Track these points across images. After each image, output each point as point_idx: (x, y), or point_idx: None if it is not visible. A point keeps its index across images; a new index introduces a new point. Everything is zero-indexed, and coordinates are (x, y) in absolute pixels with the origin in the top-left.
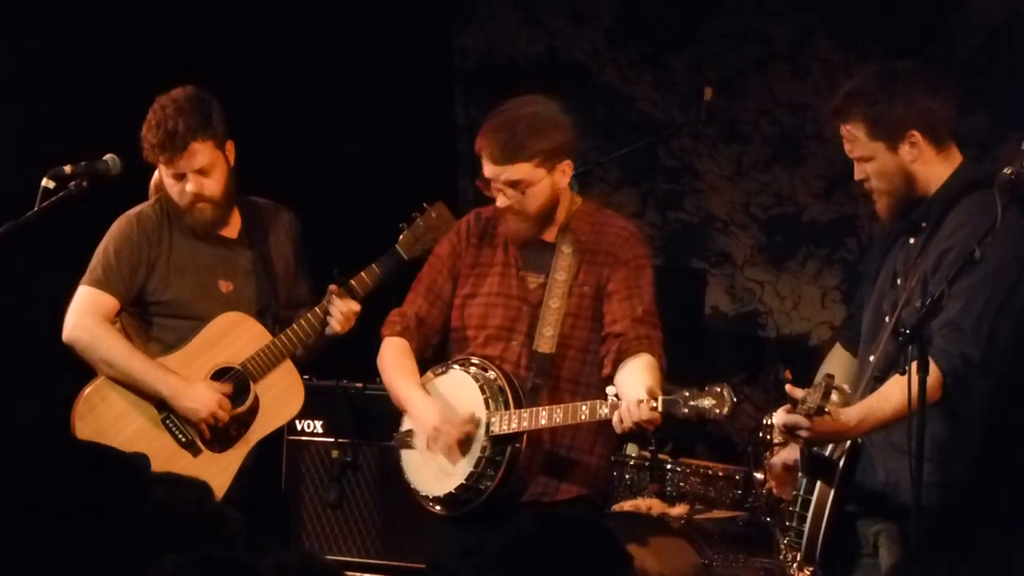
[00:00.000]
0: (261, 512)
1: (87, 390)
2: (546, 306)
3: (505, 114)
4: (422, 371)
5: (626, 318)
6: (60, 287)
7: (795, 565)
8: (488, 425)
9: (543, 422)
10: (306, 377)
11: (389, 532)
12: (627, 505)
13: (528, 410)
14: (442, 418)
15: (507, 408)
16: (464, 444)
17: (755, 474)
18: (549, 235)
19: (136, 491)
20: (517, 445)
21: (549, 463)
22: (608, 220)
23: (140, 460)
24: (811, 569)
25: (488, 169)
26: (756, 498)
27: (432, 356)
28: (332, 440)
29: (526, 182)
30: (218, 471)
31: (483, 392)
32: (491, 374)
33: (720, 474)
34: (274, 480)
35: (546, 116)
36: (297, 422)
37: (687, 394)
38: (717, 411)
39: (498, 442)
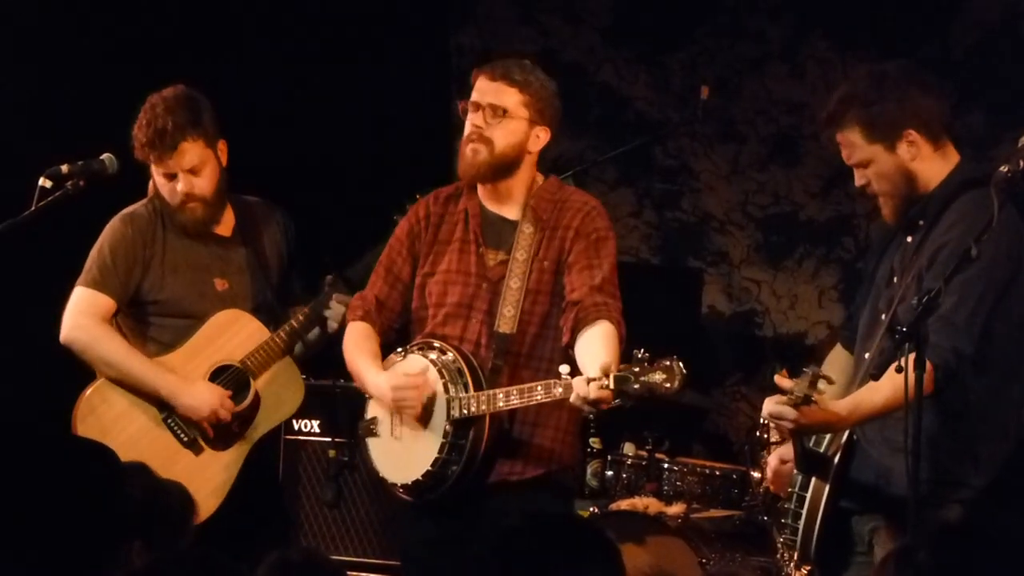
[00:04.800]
0: (258, 512)
1: (87, 391)
2: (507, 286)
3: (519, 59)
4: (385, 354)
5: (584, 286)
6: (57, 286)
7: (792, 564)
8: (448, 409)
9: (500, 404)
10: (303, 377)
11: (386, 531)
12: (624, 504)
13: (485, 393)
14: (399, 385)
15: (467, 390)
16: (425, 422)
17: (752, 473)
18: (511, 212)
19: (114, 482)
20: (479, 427)
21: (514, 443)
22: (570, 196)
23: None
24: (808, 568)
25: (480, 86)
26: (753, 497)
27: (395, 339)
28: (329, 440)
29: (508, 112)
30: (221, 469)
31: (442, 376)
32: (449, 356)
33: (717, 473)
34: (271, 480)
35: (551, 83)
36: (294, 422)
37: (637, 370)
38: (667, 385)
39: (460, 425)
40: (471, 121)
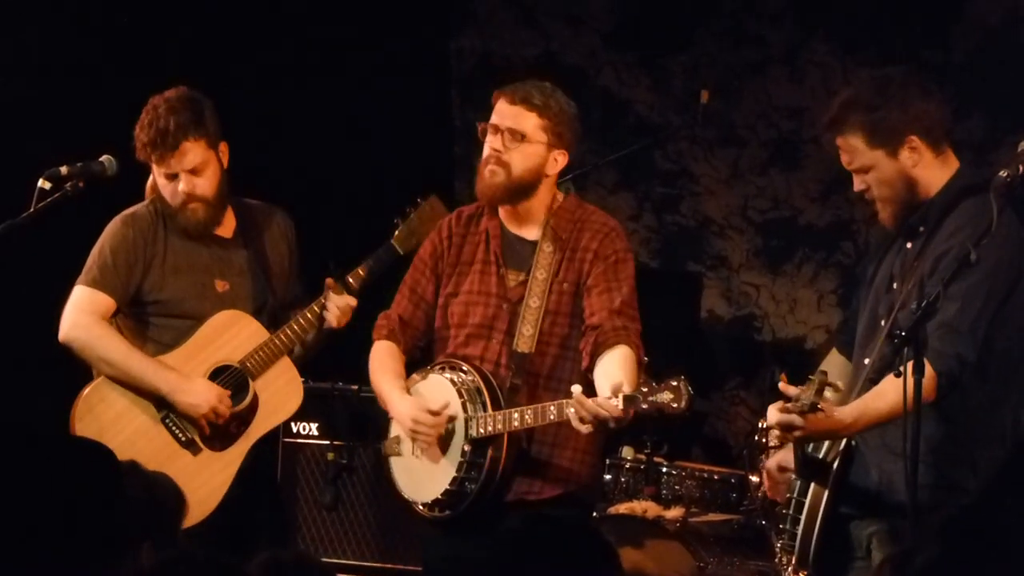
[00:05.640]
0: (257, 514)
1: (86, 391)
2: (526, 305)
3: (539, 81)
4: (409, 373)
5: (604, 310)
6: (56, 288)
7: (790, 568)
8: (467, 428)
9: (516, 424)
10: (302, 379)
11: (384, 535)
12: (623, 508)
13: (502, 412)
14: (418, 416)
15: (485, 409)
16: (444, 441)
17: (750, 477)
18: (531, 233)
19: (113, 482)
20: (497, 447)
21: (533, 461)
22: (589, 216)
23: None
24: (805, 573)
25: (500, 109)
26: (751, 501)
27: (420, 357)
28: (328, 443)
29: (527, 137)
30: (219, 469)
31: (460, 396)
32: (468, 376)
33: (716, 477)
34: (270, 482)
35: (571, 106)
36: (293, 424)
37: (645, 389)
38: (675, 405)
39: (478, 444)
40: (490, 144)
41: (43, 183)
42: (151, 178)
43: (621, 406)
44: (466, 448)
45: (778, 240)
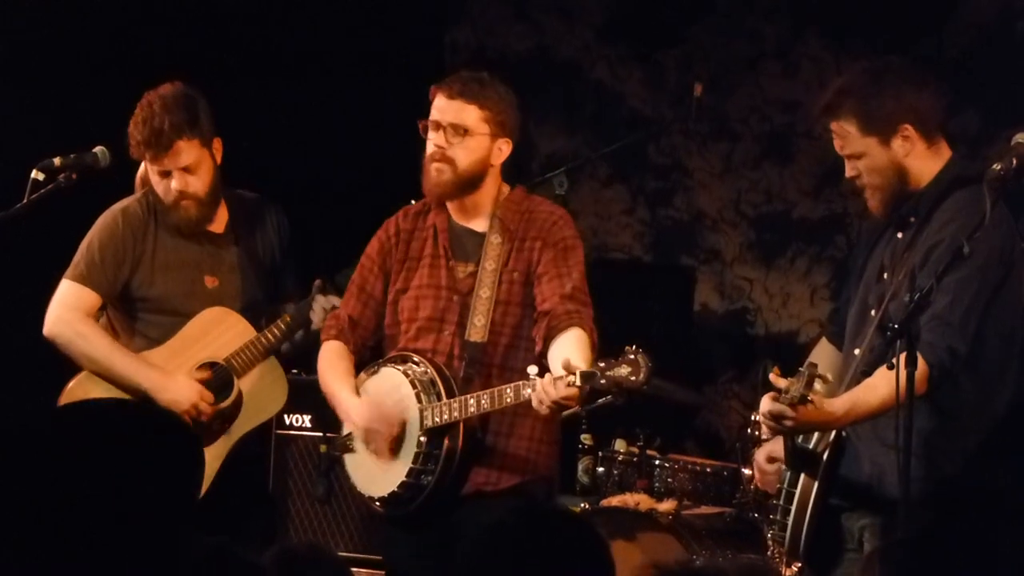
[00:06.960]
0: (248, 507)
1: (70, 384)
2: (476, 296)
3: (475, 72)
4: (358, 372)
5: (555, 295)
6: (48, 280)
7: (783, 560)
8: (422, 419)
9: (472, 410)
10: (295, 372)
11: (376, 527)
12: (615, 500)
13: (458, 399)
14: (371, 418)
15: (439, 399)
16: (397, 443)
17: (743, 470)
18: (479, 225)
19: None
20: (453, 436)
21: (489, 452)
22: (536, 206)
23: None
24: (799, 565)
25: (439, 104)
26: (744, 494)
27: (369, 357)
28: (320, 435)
29: (470, 131)
30: None
31: (414, 387)
32: (420, 367)
33: (708, 470)
34: (261, 475)
35: (509, 94)
36: (285, 417)
37: (603, 365)
38: (634, 379)
39: (434, 435)
40: (433, 141)
41: (36, 174)
42: (141, 169)
43: (579, 383)
44: (422, 439)
45: (771, 234)
